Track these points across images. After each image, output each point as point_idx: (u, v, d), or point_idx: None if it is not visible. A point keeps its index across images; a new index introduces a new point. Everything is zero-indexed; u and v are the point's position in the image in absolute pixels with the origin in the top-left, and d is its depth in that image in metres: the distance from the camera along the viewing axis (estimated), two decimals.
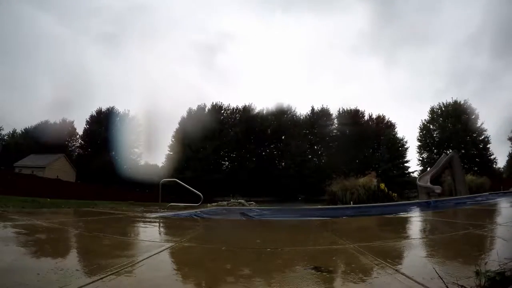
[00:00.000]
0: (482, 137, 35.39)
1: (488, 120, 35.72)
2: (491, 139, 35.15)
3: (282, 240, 3.03)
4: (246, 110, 38.89)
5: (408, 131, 58.91)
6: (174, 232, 3.76)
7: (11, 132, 39.19)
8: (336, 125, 39.34)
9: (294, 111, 39.61)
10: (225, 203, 12.09)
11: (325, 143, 38.03)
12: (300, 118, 39.31)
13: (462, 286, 1.23)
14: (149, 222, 4.38)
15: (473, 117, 35.61)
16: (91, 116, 38.06)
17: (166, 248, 2.25)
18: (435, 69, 57.61)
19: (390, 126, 38.43)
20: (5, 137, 38.11)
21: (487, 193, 11.55)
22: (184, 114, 38.68)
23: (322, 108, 39.38)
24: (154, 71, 60.85)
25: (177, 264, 1.98)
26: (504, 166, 37.32)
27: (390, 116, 39.17)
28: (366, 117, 39.13)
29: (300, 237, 3.28)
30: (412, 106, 64.56)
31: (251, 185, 32.78)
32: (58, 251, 2.12)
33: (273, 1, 62.03)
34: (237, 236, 3.47)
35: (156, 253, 2.04)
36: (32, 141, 34.62)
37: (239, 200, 12.86)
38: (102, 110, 38.29)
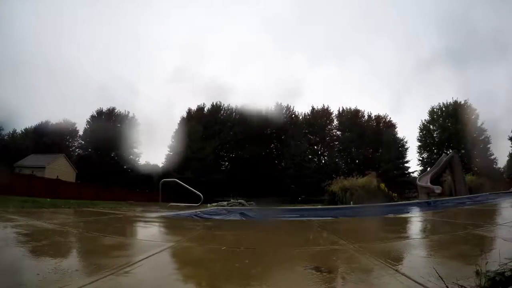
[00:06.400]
0: (482, 137, 35.38)
1: (488, 120, 35.60)
2: (491, 139, 35.18)
3: (282, 240, 3.02)
4: (246, 110, 38.88)
5: (408, 131, 58.68)
6: (174, 232, 3.76)
7: (11, 132, 39.18)
8: (336, 125, 39.39)
9: (293, 110, 39.69)
10: (225, 203, 12.06)
11: (325, 143, 38.04)
12: (300, 118, 39.35)
13: (462, 286, 1.23)
14: (149, 222, 4.38)
15: (473, 117, 35.63)
16: (92, 116, 38.09)
17: (166, 248, 2.25)
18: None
19: (390, 126, 38.41)
20: (5, 137, 38.07)
21: (487, 193, 11.52)
22: (184, 114, 38.80)
23: (322, 108, 39.42)
24: (154, 71, 60.82)
25: (177, 264, 1.99)
26: (504, 166, 37.34)
27: (390, 116, 39.23)
28: (366, 117, 39.17)
29: (300, 237, 3.27)
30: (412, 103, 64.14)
31: (251, 185, 32.75)
32: (58, 251, 2.12)
33: None
34: (237, 236, 3.47)
35: (156, 253, 2.04)
36: (32, 141, 34.60)
37: (239, 200, 12.83)
38: (103, 110, 38.34)
